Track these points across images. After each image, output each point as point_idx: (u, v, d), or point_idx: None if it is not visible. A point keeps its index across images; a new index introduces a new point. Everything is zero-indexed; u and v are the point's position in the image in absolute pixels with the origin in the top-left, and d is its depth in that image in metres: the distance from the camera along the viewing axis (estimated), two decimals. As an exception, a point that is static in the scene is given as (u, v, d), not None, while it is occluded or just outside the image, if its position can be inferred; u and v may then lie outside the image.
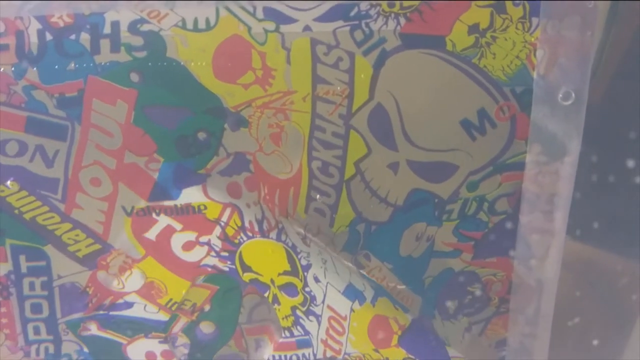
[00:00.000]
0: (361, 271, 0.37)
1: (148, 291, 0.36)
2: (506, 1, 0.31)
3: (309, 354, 0.37)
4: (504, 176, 0.34)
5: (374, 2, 0.31)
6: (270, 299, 0.36)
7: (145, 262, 0.35)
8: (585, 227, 0.36)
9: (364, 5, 0.31)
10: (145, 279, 0.36)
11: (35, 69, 0.31)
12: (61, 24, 0.31)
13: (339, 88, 0.32)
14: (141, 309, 0.37)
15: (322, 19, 0.31)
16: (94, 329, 0.37)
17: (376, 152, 0.34)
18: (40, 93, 0.32)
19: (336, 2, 0.31)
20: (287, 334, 0.37)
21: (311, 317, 0.36)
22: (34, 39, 0.31)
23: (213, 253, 0.35)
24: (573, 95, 0.31)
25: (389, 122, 0.33)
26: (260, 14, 0.31)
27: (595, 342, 0.38)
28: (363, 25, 0.31)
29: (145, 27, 0.31)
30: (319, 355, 0.37)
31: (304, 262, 0.35)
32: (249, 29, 0.31)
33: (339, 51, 0.32)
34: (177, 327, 0.38)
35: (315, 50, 0.32)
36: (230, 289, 0.36)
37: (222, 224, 0.35)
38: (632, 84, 0.35)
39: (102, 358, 0.38)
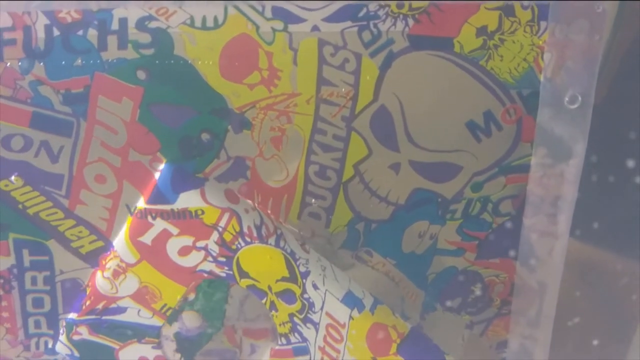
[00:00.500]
0: (365, 264, 0.37)
1: (142, 296, 0.36)
2: (515, 2, 0.31)
3: None
4: (508, 178, 0.34)
5: (382, 3, 0.31)
6: (267, 306, 0.36)
7: (139, 266, 0.35)
8: (585, 227, 0.36)
9: (372, 6, 0.31)
10: (139, 283, 0.35)
11: (42, 64, 0.31)
12: (69, 20, 0.31)
13: (343, 90, 0.32)
14: (135, 314, 0.36)
15: (330, 19, 0.31)
16: (85, 333, 0.36)
17: (377, 154, 0.34)
18: (46, 89, 0.32)
19: (345, 3, 0.31)
20: (284, 341, 0.37)
21: (309, 325, 0.35)
22: (41, 34, 0.31)
23: (210, 258, 0.35)
24: (580, 98, 0.31)
25: (391, 123, 0.33)
26: (268, 12, 0.31)
27: (595, 343, 0.38)
28: (371, 26, 0.31)
29: (153, 25, 0.31)
30: None
31: (302, 269, 0.35)
32: (257, 27, 0.31)
33: (346, 52, 0.32)
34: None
35: (322, 51, 0.32)
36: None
37: (220, 229, 0.34)
38: (633, 84, 0.35)
39: None
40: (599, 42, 0.30)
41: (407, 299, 0.38)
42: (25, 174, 0.34)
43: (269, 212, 0.35)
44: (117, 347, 0.37)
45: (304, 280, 0.35)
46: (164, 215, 0.34)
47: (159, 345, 0.37)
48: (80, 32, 0.31)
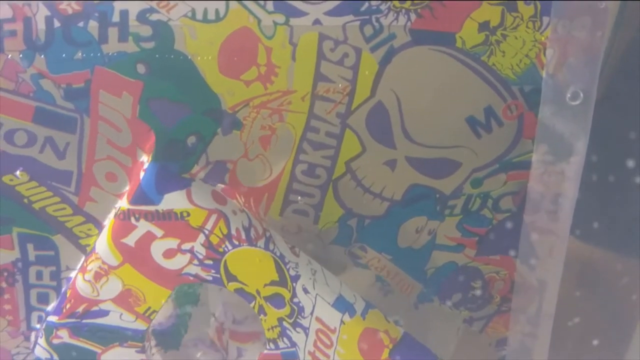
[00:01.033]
0: (358, 261, 0.37)
1: (125, 299, 0.34)
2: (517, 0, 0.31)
3: None
4: (509, 175, 0.34)
5: None
6: (256, 310, 0.35)
7: (122, 269, 0.34)
8: (585, 227, 0.36)
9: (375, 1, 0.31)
10: (122, 286, 0.34)
11: (43, 56, 0.31)
12: (70, 11, 0.31)
13: (340, 85, 0.32)
14: (117, 318, 0.35)
15: (332, 12, 0.31)
16: (65, 337, 0.35)
17: (371, 150, 0.34)
18: (48, 83, 0.32)
19: (347, -4, 0.31)
20: (272, 345, 0.36)
21: (298, 329, 0.35)
22: (41, 25, 0.31)
23: (196, 261, 0.34)
24: (581, 95, 0.31)
25: (387, 120, 0.33)
26: (270, 6, 0.31)
27: (596, 343, 0.38)
28: (373, 20, 0.31)
29: (154, 17, 0.31)
30: None
31: (292, 273, 0.34)
32: (259, 21, 0.31)
33: (346, 47, 0.32)
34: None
35: (321, 46, 0.31)
36: None
37: (207, 231, 0.33)
38: (632, 84, 0.35)
39: None
40: (601, 39, 0.30)
41: (402, 292, 0.38)
42: (31, 170, 0.33)
43: (252, 207, 0.35)
44: (99, 351, 0.36)
45: (294, 284, 0.34)
46: (148, 216, 0.33)
47: (142, 350, 0.36)
48: (81, 24, 0.31)
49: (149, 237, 0.33)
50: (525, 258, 0.35)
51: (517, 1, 0.31)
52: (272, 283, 0.34)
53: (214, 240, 0.33)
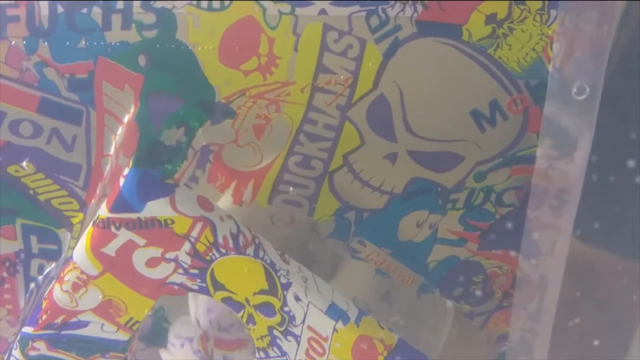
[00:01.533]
0: (357, 255, 0.37)
1: (105, 310, 0.33)
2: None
3: None
4: (513, 169, 0.34)
5: None
6: (244, 319, 0.34)
7: (102, 278, 0.32)
8: (586, 227, 0.36)
9: None
10: (102, 296, 0.33)
11: (46, 44, 0.31)
12: (73, -3, 0.30)
13: (342, 77, 0.32)
14: (97, 328, 0.34)
15: (339, 2, 0.31)
16: (42, 349, 0.34)
17: (371, 144, 0.33)
18: (52, 72, 0.31)
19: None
20: (262, 354, 0.35)
21: (289, 337, 0.34)
22: (44, 11, 0.30)
23: (180, 270, 0.32)
24: (587, 89, 0.31)
25: (389, 113, 0.33)
26: (276, -6, 0.31)
27: (596, 343, 0.38)
28: (380, 11, 0.31)
29: (158, 4, 0.31)
30: None
31: (283, 280, 0.33)
32: (264, 10, 0.31)
33: (350, 38, 0.31)
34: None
35: (325, 37, 0.31)
36: None
37: (192, 239, 0.32)
38: (633, 84, 0.34)
39: None
40: (608, 33, 0.30)
41: (403, 284, 0.37)
42: (37, 161, 0.33)
43: (232, 193, 0.34)
44: None
45: (285, 292, 0.33)
46: (129, 225, 0.31)
47: None
48: (85, 10, 0.31)
49: (130, 246, 0.32)
50: (528, 253, 0.35)
51: None
52: (262, 292, 0.33)
53: (200, 248, 0.32)
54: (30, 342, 0.34)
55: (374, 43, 0.31)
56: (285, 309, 0.33)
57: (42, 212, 0.34)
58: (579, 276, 0.38)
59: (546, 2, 0.31)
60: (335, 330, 0.33)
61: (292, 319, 0.33)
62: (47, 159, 0.33)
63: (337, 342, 0.33)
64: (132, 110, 0.32)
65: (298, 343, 0.34)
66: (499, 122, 0.33)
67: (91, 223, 0.32)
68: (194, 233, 0.32)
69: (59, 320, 0.33)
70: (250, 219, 0.35)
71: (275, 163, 0.34)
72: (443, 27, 0.31)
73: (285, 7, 0.31)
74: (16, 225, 0.34)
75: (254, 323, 0.34)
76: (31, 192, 0.34)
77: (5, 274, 0.36)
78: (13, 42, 0.31)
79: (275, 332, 0.34)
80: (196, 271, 0.33)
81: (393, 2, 0.31)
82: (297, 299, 0.33)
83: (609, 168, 0.35)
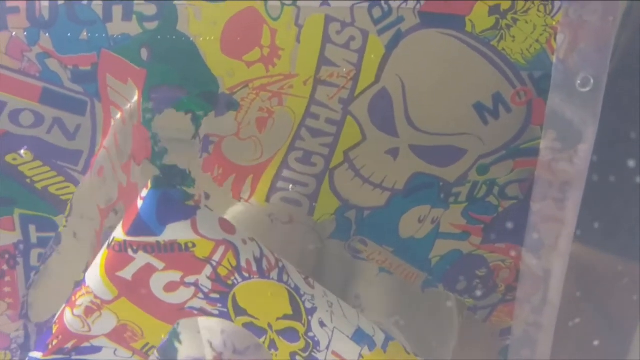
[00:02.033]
0: (359, 255, 0.36)
1: (120, 335, 0.32)
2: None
3: None
4: (517, 162, 0.34)
5: None
6: (267, 345, 0.33)
7: (117, 303, 0.31)
8: (586, 228, 0.36)
9: None
10: (117, 321, 0.32)
11: (47, 35, 0.31)
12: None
13: (344, 70, 0.32)
14: (110, 354, 0.32)
15: (341, -7, 0.30)
16: None
17: (372, 139, 0.33)
18: (55, 63, 0.31)
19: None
20: None
21: None
22: (45, 2, 0.30)
23: (201, 295, 0.31)
24: (592, 81, 0.31)
25: (390, 107, 0.32)
26: (279, -15, 0.30)
27: (596, 343, 0.38)
28: (382, 2, 0.30)
29: (159, -4, 0.31)
30: None
31: (308, 305, 0.32)
32: (266, 1, 0.30)
33: (353, 30, 0.31)
34: None
35: (327, 28, 0.31)
36: None
37: (214, 263, 0.31)
38: (633, 83, 0.34)
39: None
40: (612, 24, 0.30)
41: (407, 281, 0.37)
42: (36, 149, 0.33)
43: (231, 188, 0.33)
44: None
45: (310, 318, 0.32)
46: (148, 248, 0.30)
47: None
48: (85, 2, 0.30)
49: (148, 270, 0.30)
50: (531, 246, 0.35)
51: None
52: (285, 317, 0.32)
53: (222, 272, 0.31)
54: None
55: (377, 35, 0.31)
56: (310, 334, 0.32)
57: (39, 200, 0.34)
58: (579, 277, 0.37)
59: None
60: (361, 356, 0.32)
61: (316, 344, 0.32)
62: (47, 147, 0.33)
63: None
64: (136, 116, 0.32)
65: None
66: (503, 115, 0.33)
67: (105, 245, 0.31)
68: (216, 257, 0.31)
69: (69, 345, 0.32)
70: (249, 217, 0.34)
71: (275, 158, 0.34)
72: (446, 18, 0.31)
73: (287, -2, 0.31)
74: (14, 215, 0.34)
75: (277, 349, 0.33)
76: (28, 180, 0.34)
77: (5, 267, 0.36)
78: (14, 33, 0.31)
79: (298, 357, 0.33)
80: (217, 296, 0.31)
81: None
82: (322, 324, 0.32)
83: (608, 169, 0.35)
